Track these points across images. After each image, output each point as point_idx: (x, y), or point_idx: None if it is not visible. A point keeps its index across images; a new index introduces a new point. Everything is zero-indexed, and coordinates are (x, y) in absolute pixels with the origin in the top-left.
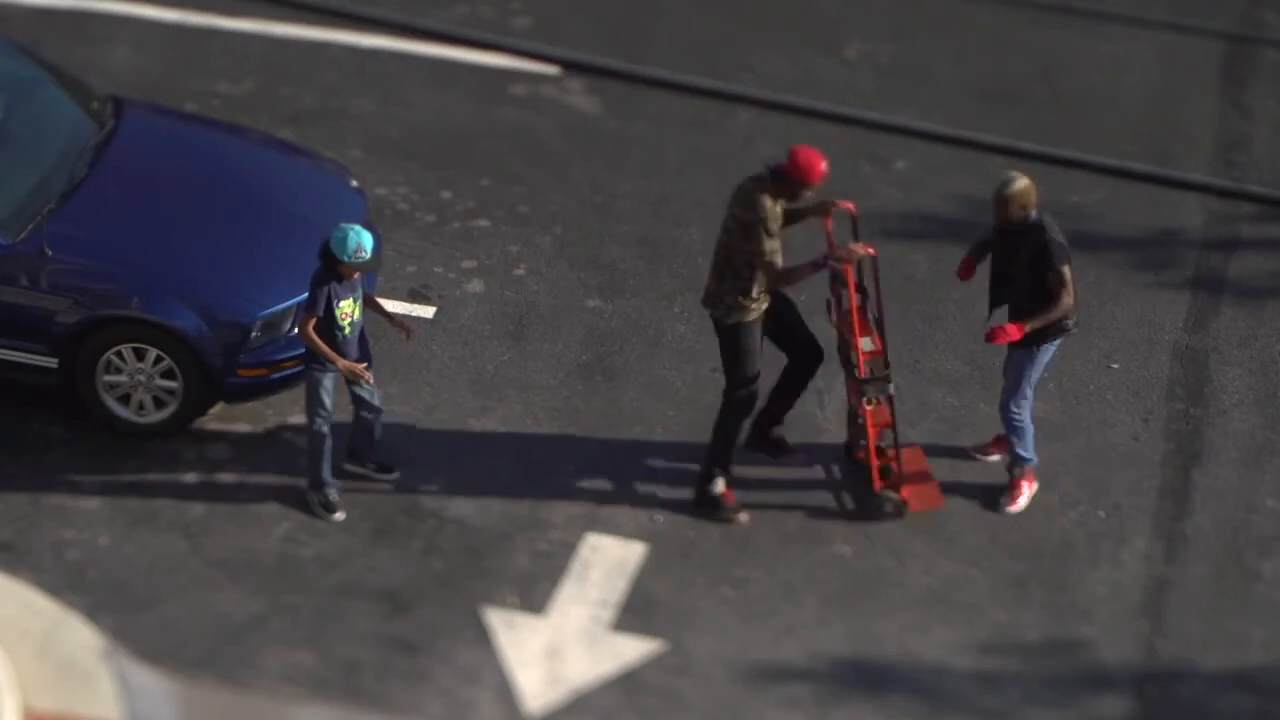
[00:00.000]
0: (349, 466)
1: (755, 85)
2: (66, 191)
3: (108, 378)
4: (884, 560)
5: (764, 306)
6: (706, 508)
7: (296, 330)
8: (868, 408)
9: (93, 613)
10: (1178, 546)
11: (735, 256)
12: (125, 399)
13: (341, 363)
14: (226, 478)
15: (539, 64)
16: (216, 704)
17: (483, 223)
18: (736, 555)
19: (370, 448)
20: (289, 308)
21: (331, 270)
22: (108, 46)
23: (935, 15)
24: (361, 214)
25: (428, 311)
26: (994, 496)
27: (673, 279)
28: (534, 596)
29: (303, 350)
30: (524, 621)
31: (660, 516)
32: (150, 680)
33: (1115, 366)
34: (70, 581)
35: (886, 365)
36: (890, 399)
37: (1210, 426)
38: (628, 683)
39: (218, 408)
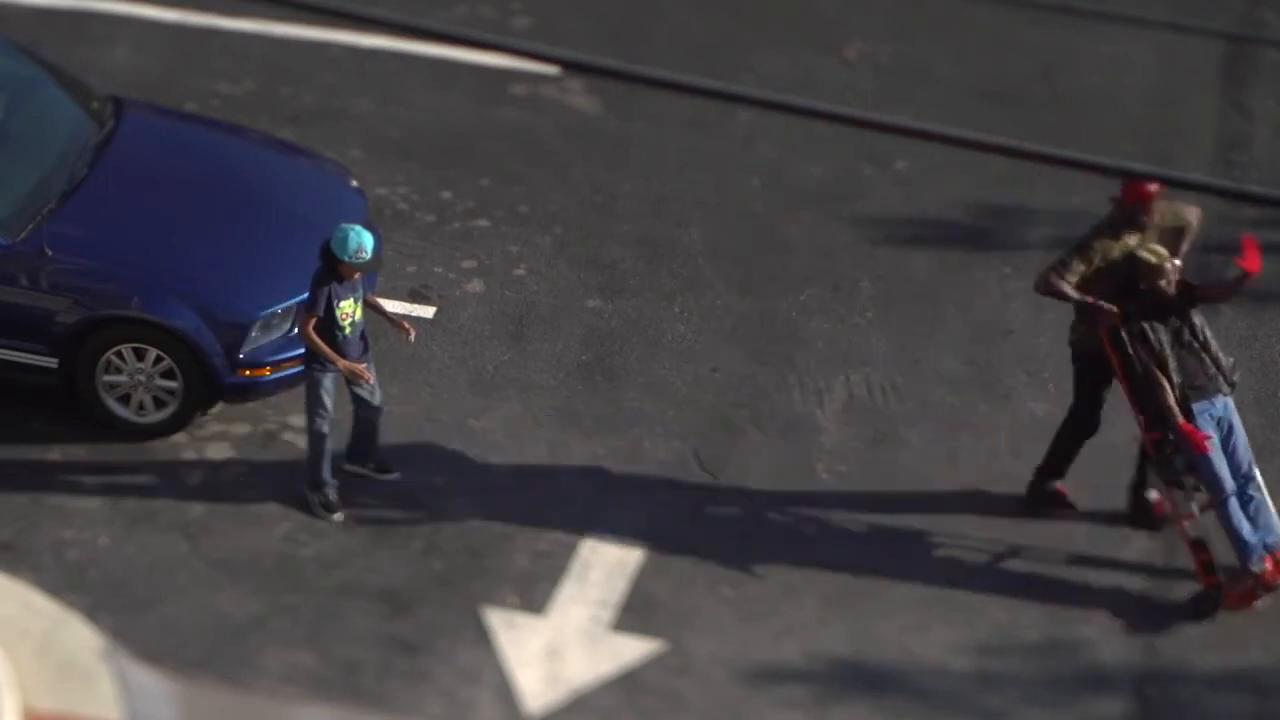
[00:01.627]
0: (349, 466)
1: (755, 85)
2: (66, 191)
3: (108, 378)
4: (884, 560)
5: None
6: (1040, 503)
7: (297, 330)
8: (1173, 505)
9: (93, 613)
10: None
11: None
12: (125, 399)
13: (342, 363)
14: (226, 478)
15: (539, 64)
16: (216, 704)
17: (483, 223)
18: (736, 555)
19: (370, 448)
20: (289, 307)
21: (332, 270)
22: (108, 46)
23: (935, 15)
24: (361, 214)
25: (428, 311)
26: (994, 499)
27: (673, 279)
28: (534, 596)
29: (303, 350)
30: (524, 621)
31: (660, 516)
32: (150, 680)
33: None
34: (70, 581)
35: (1165, 447)
36: (1176, 487)
37: None
38: (628, 683)
39: (218, 408)
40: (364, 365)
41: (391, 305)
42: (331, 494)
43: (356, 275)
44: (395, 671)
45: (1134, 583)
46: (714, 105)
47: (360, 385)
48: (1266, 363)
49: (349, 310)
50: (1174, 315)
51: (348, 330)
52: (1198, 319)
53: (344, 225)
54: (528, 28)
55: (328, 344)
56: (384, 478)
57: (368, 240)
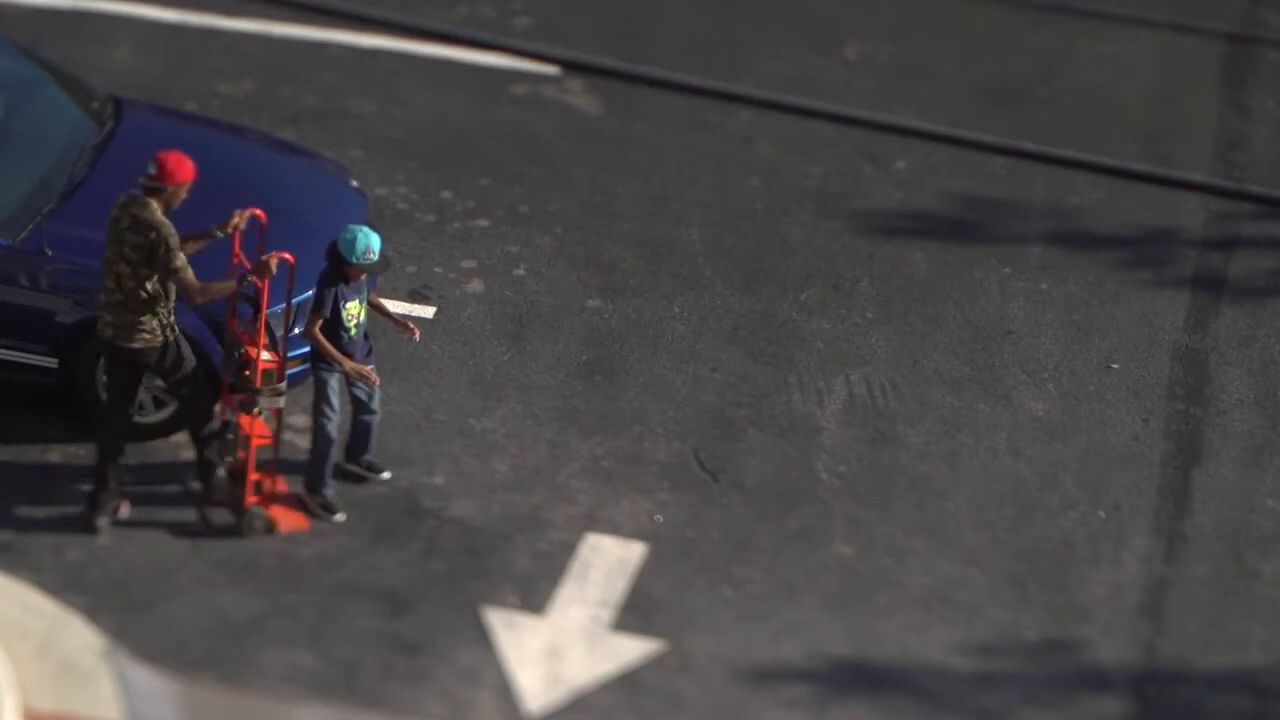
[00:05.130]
0: (346, 466)
1: (755, 85)
2: (66, 191)
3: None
4: (884, 560)
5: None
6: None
7: (303, 332)
8: (251, 419)
9: (93, 613)
10: (1178, 546)
11: (141, 284)
12: None
13: (348, 364)
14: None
15: (539, 64)
16: (216, 704)
17: (483, 223)
18: (736, 555)
19: (364, 449)
20: (289, 307)
21: (338, 271)
22: (108, 46)
23: (935, 15)
24: (362, 214)
25: (428, 311)
26: (994, 499)
27: (673, 279)
28: (534, 596)
29: (304, 350)
30: (524, 621)
31: (660, 516)
32: (150, 680)
33: (1115, 366)
34: (70, 581)
35: (280, 380)
36: (279, 414)
37: (1210, 426)
38: (628, 683)
39: (218, 408)
40: (370, 367)
41: (391, 305)
42: (330, 494)
43: (362, 276)
44: (395, 671)
45: (1134, 583)
46: (714, 105)
47: (361, 386)
48: (1266, 363)
49: (354, 312)
50: None
51: (353, 331)
52: None
53: (351, 227)
54: (528, 28)
55: (333, 345)
56: (376, 477)
57: (375, 242)
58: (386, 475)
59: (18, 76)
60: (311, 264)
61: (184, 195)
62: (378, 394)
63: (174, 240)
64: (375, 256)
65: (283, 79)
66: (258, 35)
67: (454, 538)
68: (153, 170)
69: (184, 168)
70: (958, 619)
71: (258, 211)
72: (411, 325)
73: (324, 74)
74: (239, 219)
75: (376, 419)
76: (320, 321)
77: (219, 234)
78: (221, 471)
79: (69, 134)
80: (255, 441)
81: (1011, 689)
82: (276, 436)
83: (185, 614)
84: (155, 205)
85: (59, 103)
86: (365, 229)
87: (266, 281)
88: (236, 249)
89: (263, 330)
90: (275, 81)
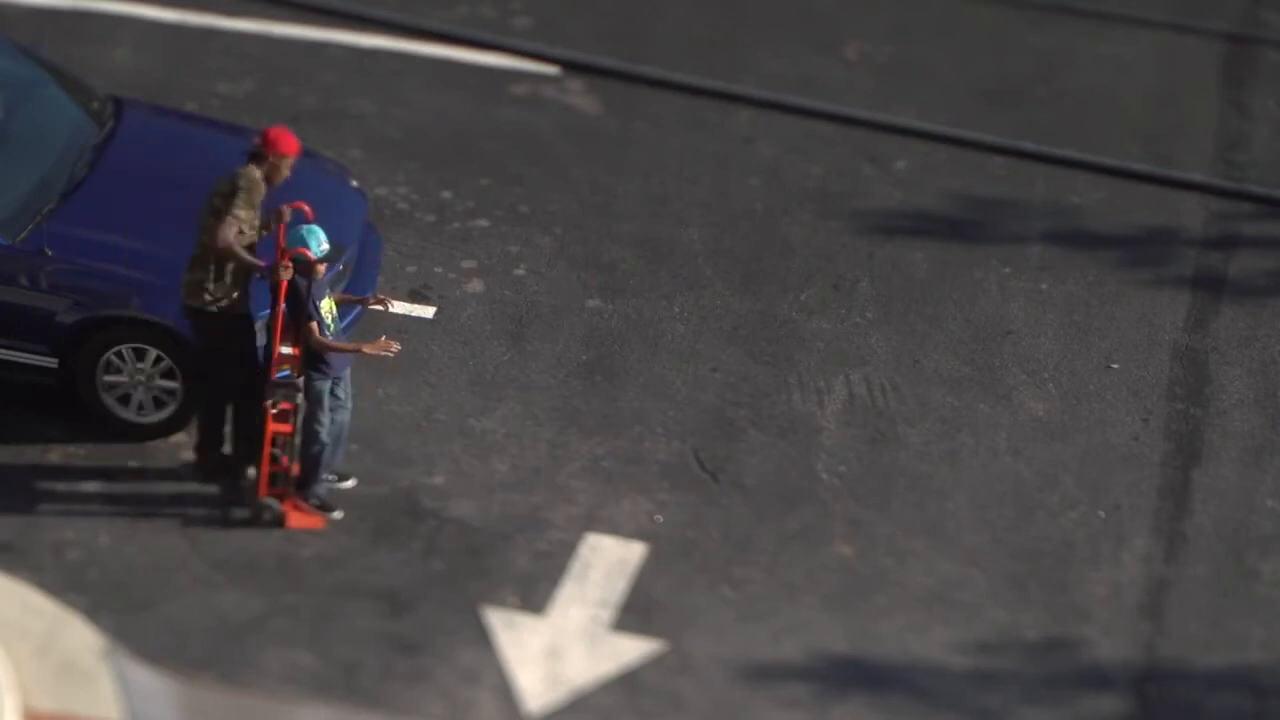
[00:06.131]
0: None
1: (755, 85)
2: (66, 191)
3: (108, 378)
4: (884, 560)
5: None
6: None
7: (309, 345)
8: (271, 410)
9: (93, 613)
10: (1178, 546)
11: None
12: (125, 399)
13: (366, 347)
14: (226, 477)
15: (539, 64)
16: (216, 704)
17: (483, 223)
18: (736, 555)
19: (334, 454)
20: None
21: (305, 276)
22: (108, 46)
23: (935, 15)
24: (362, 214)
25: (428, 311)
26: (994, 499)
27: (673, 279)
28: (534, 596)
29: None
30: (524, 621)
31: (660, 516)
32: (150, 680)
33: (1115, 366)
34: (70, 581)
35: (300, 374)
36: (296, 409)
37: (1210, 426)
38: (628, 683)
39: None
40: (382, 338)
41: (393, 305)
42: (324, 492)
43: (322, 269)
44: (395, 671)
45: (1134, 583)
46: (714, 105)
47: (340, 389)
48: (1266, 363)
49: (328, 307)
50: None
51: (332, 326)
52: None
53: (295, 231)
54: (528, 28)
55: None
56: (341, 486)
57: (319, 231)
58: (351, 483)
59: (18, 76)
60: None
61: (286, 172)
62: (350, 390)
63: (252, 191)
64: (328, 243)
65: (283, 79)
66: (258, 35)
67: (454, 538)
68: (255, 139)
69: (286, 140)
70: (958, 619)
71: (304, 205)
72: (381, 297)
73: (324, 74)
74: (285, 214)
75: (348, 420)
76: (317, 326)
77: (264, 231)
78: (251, 471)
79: (69, 134)
80: (270, 431)
81: (1011, 689)
82: (295, 430)
83: (185, 614)
84: (253, 167)
85: (59, 103)
86: (304, 228)
87: (284, 283)
88: (281, 243)
89: (280, 324)
90: (275, 81)
